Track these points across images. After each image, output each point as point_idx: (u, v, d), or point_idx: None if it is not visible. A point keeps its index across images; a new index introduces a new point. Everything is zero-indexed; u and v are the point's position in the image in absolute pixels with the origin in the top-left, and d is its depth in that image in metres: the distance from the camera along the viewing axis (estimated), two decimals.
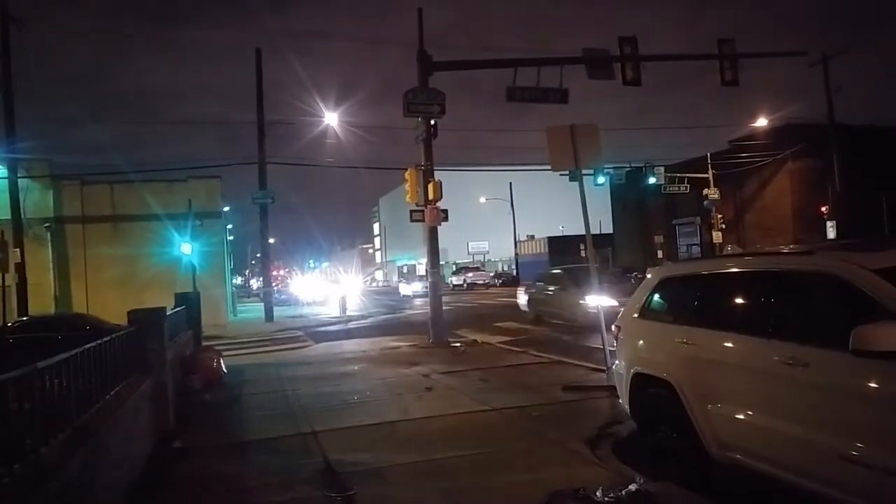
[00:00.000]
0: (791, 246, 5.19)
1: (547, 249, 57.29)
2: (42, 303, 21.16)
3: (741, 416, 4.02)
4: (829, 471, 3.37)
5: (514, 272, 57.16)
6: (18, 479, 2.60)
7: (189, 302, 11.24)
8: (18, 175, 19.72)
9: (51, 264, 23.64)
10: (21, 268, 18.83)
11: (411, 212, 15.07)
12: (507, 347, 13.00)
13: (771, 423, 3.78)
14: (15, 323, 15.27)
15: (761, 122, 31.55)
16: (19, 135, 19.20)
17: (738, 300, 4.47)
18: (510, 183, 53.93)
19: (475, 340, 14.37)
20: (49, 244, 23.72)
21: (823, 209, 28.26)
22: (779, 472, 3.76)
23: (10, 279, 18.68)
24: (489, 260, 69.83)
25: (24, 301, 18.67)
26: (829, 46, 28.14)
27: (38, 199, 23.28)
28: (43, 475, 2.79)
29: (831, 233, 27.19)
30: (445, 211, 14.86)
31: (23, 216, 19.71)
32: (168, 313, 7.34)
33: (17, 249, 18.71)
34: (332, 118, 26.86)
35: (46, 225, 23.65)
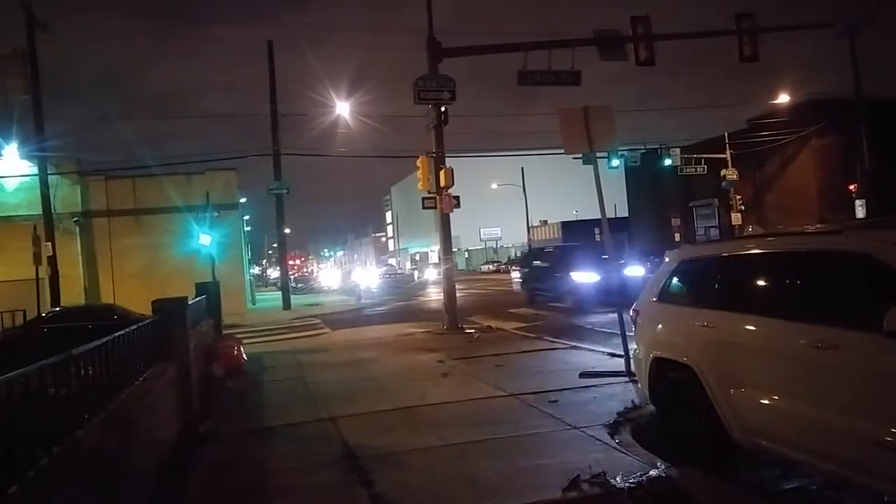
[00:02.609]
0: (818, 225, 5.09)
1: (560, 234, 57.13)
2: (73, 294, 21.70)
3: (766, 401, 3.96)
4: (862, 456, 3.29)
5: None
6: (59, 461, 2.70)
7: (209, 291, 11.40)
8: (48, 172, 20.07)
9: (80, 257, 24.22)
10: (53, 260, 19.34)
11: (423, 199, 15.12)
12: (522, 333, 13.02)
13: (798, 407, 3.71)
14: (49, 313, 15.72)
15: (782, 98, 30.72)
16: (47, 133, 19.59)
17: (762, 282, 4.38)
18: (522, 168, 53.69)
19: (489, 326, 14.42)
20: (78, 237, 24.28)
21: (851, 187, 27.46)
22: (806, 457, 3.70)
23: (43, 272, 19.26)
24: (502, 246, 69.74)
25: (57, 292, 19.21)
26: (856, 17, 26.90)
27: (66, 195, 23.82)
28: (81, 457, 2.90)
29: (860, 212, 26.33)
30: (457, 198, 14.89)
31: (53, 211, 20.16)
32: (190, 303, 7.46)
33: (49, 243, 19.24)
34: (343, 108, 26.94)
35: (75, 219, 24.21)
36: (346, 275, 38.57)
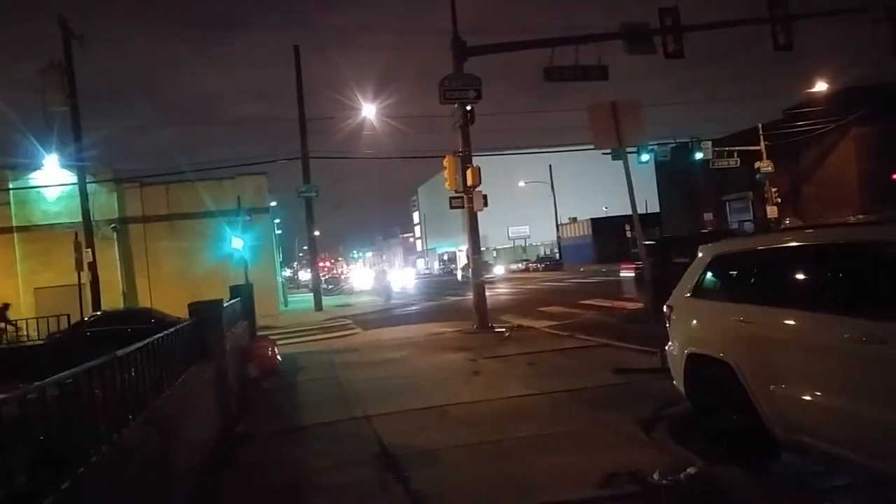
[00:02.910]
0: (859, 216, 4.97)
1: (591, 231, 56.68)
2: (112, 298, 22.40)
3: (808, 397, 3.87)
4: None
5: (558, 256, 56.80)
6: (107, 459, 2.80)
7: (242, 294, 11.56)
8: (86, 181, 20.67)
9: (118, 262, 24.95)
10: (93, 266, 19.89)
11: (451, 199, 15.15)
12: (553, 332, 12.94)
13: (843, 403, 3.62)
14: (91, 317, 16.28)
15: (819, 87, 29.90)
16: (85, 143, 20.16)
17: (801, 276, 4.29)
18: (549, 165, 53.32)
19: (520, 325, 14.37)
20: (116, 243, 25.01)
21: None
22: (851, 453, 3.62)
23: (85, 277, 19.86)
24: (531, 244, 69.41)
25: (97, 297, 19.75)
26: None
27: (104, 202, 24.56)
28: (125, 456, 2.99)
29: None
30: (485, 196, 14.89)
31: (92, 218, 20.71)
32: (225, 305, 7.60)
33: (89, 249, 19.78)
34: (369, 110, 27.12)
35: (113, 226, 24.97)
36: (379, 275, 37.92)
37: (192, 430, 4.82)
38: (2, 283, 24.03)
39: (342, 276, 56.26)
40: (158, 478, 3.44)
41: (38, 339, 16.46)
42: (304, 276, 72.40)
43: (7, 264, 24.22)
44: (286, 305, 33.80)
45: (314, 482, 4.98)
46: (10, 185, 24.15)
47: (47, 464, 2.35)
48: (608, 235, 50.39)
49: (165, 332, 4.62)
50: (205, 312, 6.44)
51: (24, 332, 19.54)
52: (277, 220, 41.02)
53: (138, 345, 3.72)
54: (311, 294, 30.30)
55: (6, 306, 19.19)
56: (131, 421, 3.34)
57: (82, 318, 17.03)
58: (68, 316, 17.95)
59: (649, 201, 46.19)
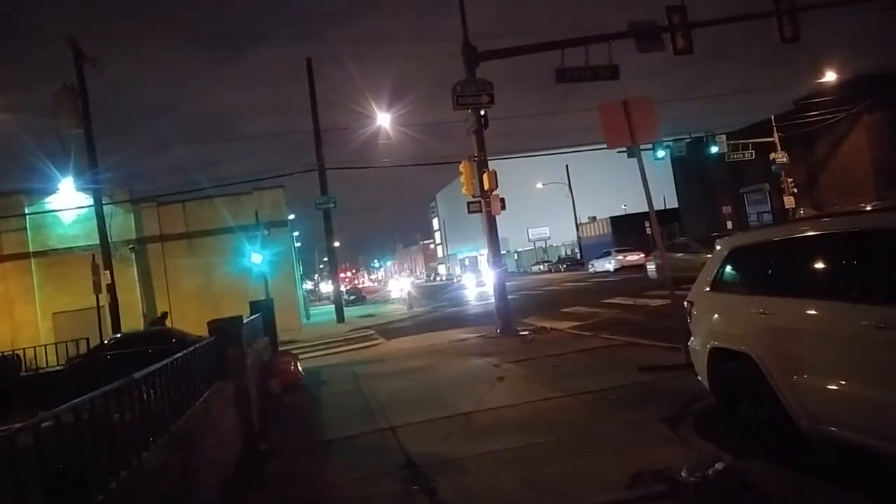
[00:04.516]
0: (873, 203, 4.90)
1: (610, 230, 56.20)
2: (132, 319, 22.54)
3: (832, 387, 3.82)
4: None
5: (579, 255, 56.41)
6: (126, 484, 2.79)
7: (263, 309, 11.64)
8: (103, 203, 20.88)
9: (137, 282, 25.17)
10: (112, 288, 20.00)
11: (468, 203, 15.16)
12: (577, 332, 12.83)
13: (866, 391, 3.57)
14: (110, 340, 16.37)
15: (828, 77, 29.75)
16: (100, 165, 20.34)
17: (818, 265, 4.26)
18: (566, 166, 53.08)
19: (543, 327, 14.27)
20: (134, 264, 25.25)
21: None
22: (878, 443, 3.55)
23: (103, 299, 19.96)
24: (551, 245, 69.08)
25: (117, 319, 19.88)
26: None
27: (121, 223, 24.82)
28: (146, 480, 2.99)
29: None
30: (502, 199, 14.87)
31: (109, 240, 20.82)
32: (244, 321, 7.63)
33: (107, 271, 19.87)
34: (384, 119, 27.20)
35: (130, 246, 25.22)
36: (426, 279, 37.60)
37: (214, 449, 4.83)
38: (20, 309, 24.39)
39: (363, 287, 56.39)
40: (181, 499, 3.44)
41: (58, 365, 16.56)
42: (326, 287, 72.77)
43: (24, 290, 24.47)
44: (308, 318, 33.99)
45: (338, 496, 4.97)
46: (26, 210, 24.49)
47: (65, 492, 2.35)
48: (628, 233, 49.93)
49: (184, 352, 4.63)
50: (224, 330, 6.47)
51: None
52: (296, 233, 41.34)
53: (156, 366, 3.73)
54: (333, 306, 30.41)
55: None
56: (152, 444, 3.35)
57: (102, 340, 17.13)
58: (87, 340, 17.99)
59: (667, 197, 45.71)
